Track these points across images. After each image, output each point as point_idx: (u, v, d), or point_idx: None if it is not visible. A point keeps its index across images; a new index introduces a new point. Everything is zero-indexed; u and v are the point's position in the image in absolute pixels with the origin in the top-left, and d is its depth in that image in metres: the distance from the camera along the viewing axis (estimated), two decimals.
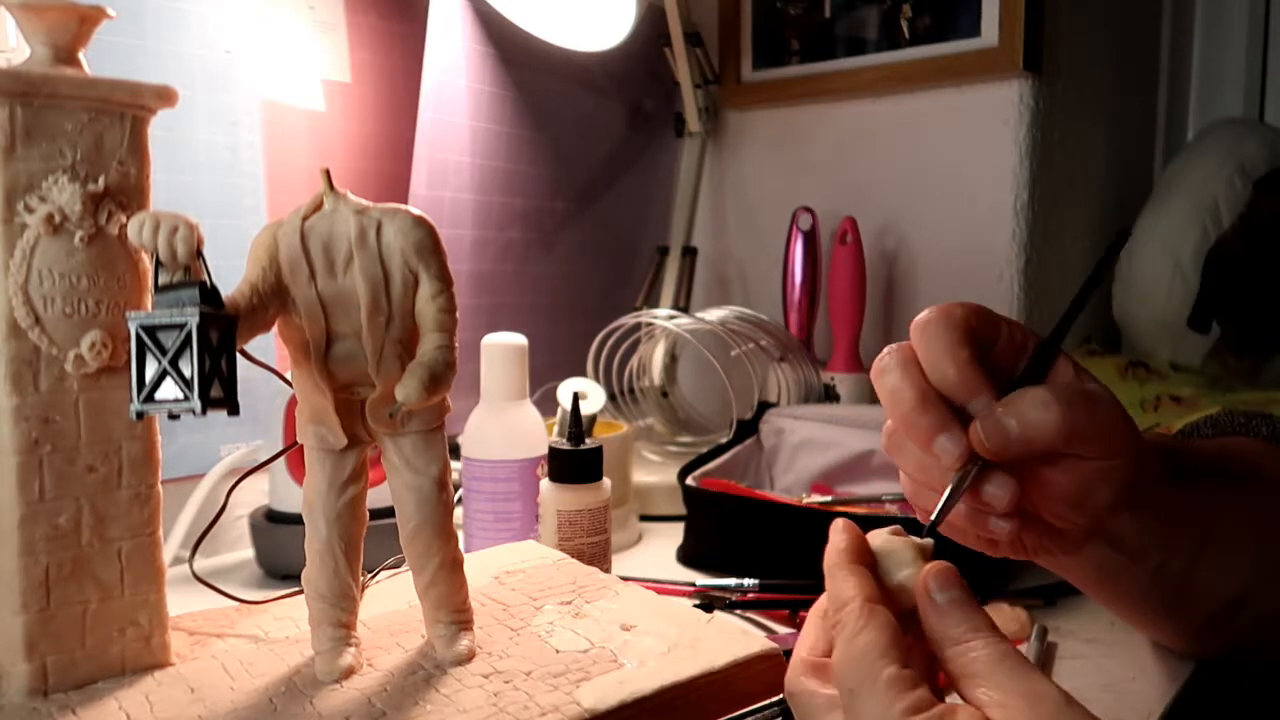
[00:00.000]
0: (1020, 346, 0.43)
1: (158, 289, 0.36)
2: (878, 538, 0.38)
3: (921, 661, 0.36)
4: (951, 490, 0.39)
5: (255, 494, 0.86)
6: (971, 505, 0.41)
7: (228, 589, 0.74)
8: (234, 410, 0.36)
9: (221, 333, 0.36)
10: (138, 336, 0.35)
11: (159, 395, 0.35)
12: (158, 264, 0.36)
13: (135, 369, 0.35)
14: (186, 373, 0.35)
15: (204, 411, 0.35)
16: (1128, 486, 0.41)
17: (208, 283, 0.36)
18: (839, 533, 0.38)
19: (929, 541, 0.38)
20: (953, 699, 0.34)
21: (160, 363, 0.35)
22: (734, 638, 0.45)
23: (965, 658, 0.34)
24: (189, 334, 0.35)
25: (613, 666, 0.42)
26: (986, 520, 0.41)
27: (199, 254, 0.37)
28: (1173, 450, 0.47)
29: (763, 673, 0.43)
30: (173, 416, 0.36)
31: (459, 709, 0.39)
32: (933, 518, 0.40)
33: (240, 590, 0.73)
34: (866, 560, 0.37)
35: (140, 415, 0.36)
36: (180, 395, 0.35)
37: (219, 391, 0.36)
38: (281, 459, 0.75)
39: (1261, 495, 0.49)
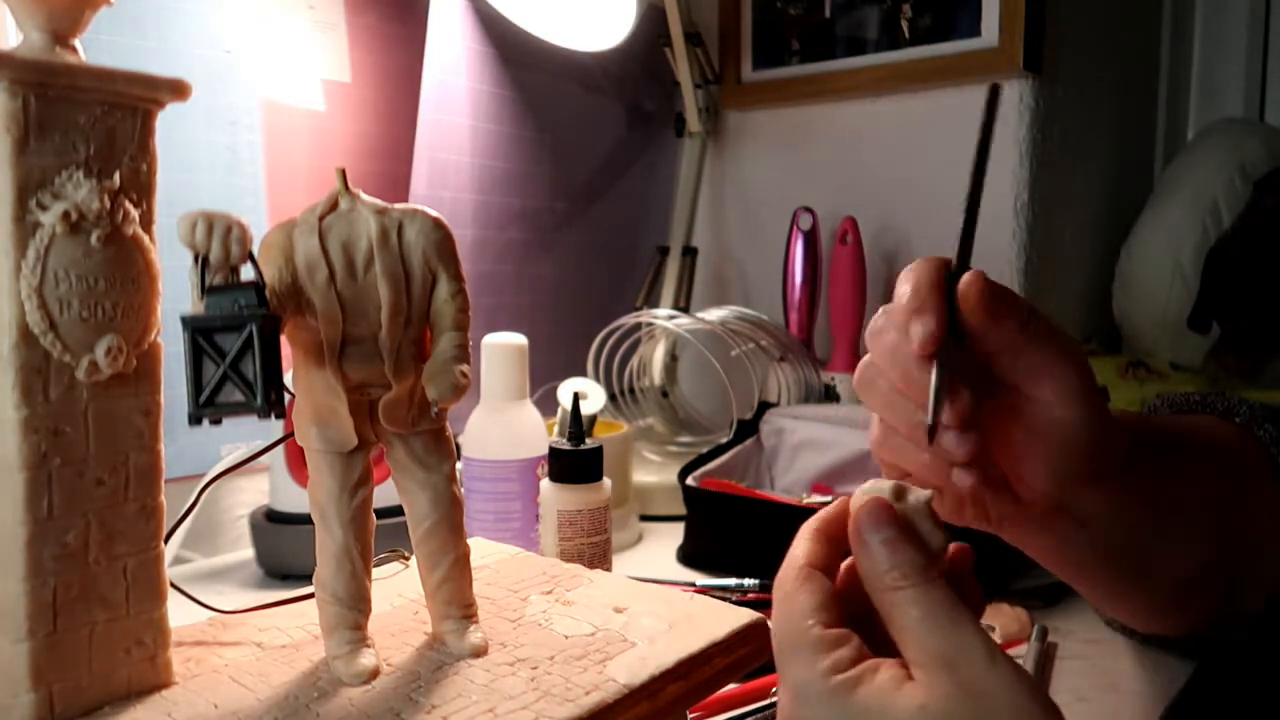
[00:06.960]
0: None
1: (208, 290, 0.35)
2: (865, 486, 0.37)
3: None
4: (936, 386, 0.39)
5: (255, 494, 0.87)
6: (935, 456, 0.41)
7: (228, 589, 0.75)
8: (281, 413, 0.36)
9: (275, 334, 0.36)
10: (193, 338, 0.35)
11: (220, 399, 0.35)
12: (203, 265, 0.36)
13: (191, 372, 0.35)
14: (249, 375, 0.35)
15: (268, 414, 0.35)
16: (1093, 451, 0.42)
17: (263, 284, 0.36)
18: (831, 507, 0.38)
19: (921, 492, 0.36)
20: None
21: (220, 365, 0.35)
22: (723, 612, 0.47)
23: (895, 609, 0.33)
24: (250, 336, 0.35)
25: (626, 646, 0.43)
26: (949, 474, 0.41)
27: (250, 255, 0.37)
28: (1136, 424, 0.48)
29: (757, 638, 0.46)
30: (209, 422, 0.35)
31: (505, 695, 0.39)
32: (929, 419, 0.38)
33: (241, 590, 0.74)
34: (835, 531, 0.37)
35: (199, 420, 0.35)
36: (243, 399, 0.35)
37: (276, 394, 0.35)
38: (283, 460, 0.75)
39: (1217, 474, 0.49)
